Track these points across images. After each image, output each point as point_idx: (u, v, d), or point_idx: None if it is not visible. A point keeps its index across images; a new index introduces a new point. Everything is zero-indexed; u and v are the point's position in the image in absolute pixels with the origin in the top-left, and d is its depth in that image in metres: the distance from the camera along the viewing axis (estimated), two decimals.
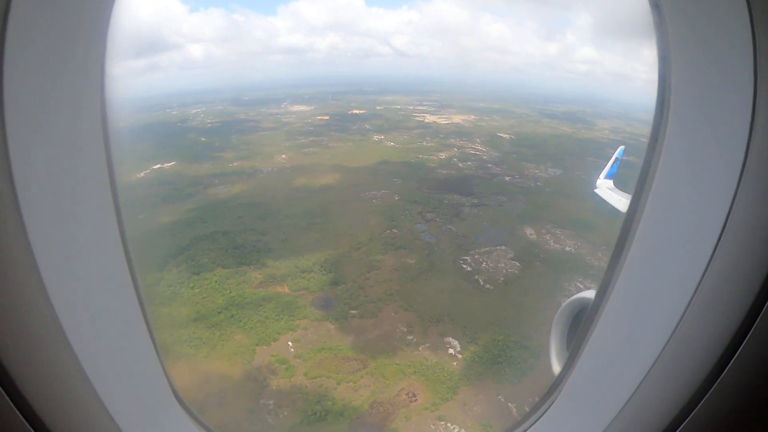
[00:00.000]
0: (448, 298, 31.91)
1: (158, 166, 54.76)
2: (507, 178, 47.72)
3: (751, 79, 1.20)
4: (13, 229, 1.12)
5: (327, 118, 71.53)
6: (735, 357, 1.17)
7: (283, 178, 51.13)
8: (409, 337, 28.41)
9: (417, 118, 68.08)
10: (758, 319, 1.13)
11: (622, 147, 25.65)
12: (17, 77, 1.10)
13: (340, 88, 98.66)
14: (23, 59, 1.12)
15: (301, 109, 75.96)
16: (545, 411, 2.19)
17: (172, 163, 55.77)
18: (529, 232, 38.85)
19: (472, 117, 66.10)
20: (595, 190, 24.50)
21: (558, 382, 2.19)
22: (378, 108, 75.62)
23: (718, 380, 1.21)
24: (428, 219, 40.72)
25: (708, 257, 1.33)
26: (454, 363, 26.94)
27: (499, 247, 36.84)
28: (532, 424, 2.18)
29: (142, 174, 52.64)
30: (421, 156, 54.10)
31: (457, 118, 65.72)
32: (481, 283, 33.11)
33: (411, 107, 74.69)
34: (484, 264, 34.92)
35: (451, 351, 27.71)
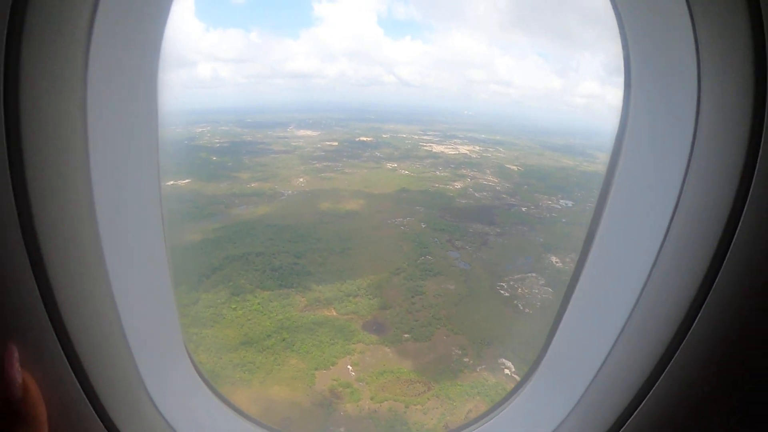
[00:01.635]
0: (493, 322, 32.77)
1: (172, 182, 53.75)
2: (523, 209, 49.26)
3: (695, 77, 1.33)
4: (89, 225, 1.29)
5: (336, 143, 72.17)
6: (689, 334, 1.33)
7: (306, 201, 51.38)
8: (465, 359, 28.99)
9: (425, 148, 69.45)
10: (712, 290, 1.27)
11: None
12: (98, 88, 1.26)
13: (342, 115, 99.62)
14: (103, 70, 1.28)
15: (308, 134, 76.27)
16: (525, 387, 2.37)
17: (187, 180, 54.92)
18: (555, 260, 40.43)
19: (478, 148, 68.08)
20: None
21: (537, 362, 2.40)
22: (384, 136, 76.70)
23: (673, 359, 1.38)
24: (458, 247, 41.73)
25: (659, 244, 1.47)
26: (512, 383, 27.26)
27: (530, 274, 38.16)
28: (514, 399, 2.37)
29: None
30: (437, 185, 55.36)
31: (464, 149, 67.57)
32: (521, 308, 34.20)
33: (416, 136, 75.99)
34: (519, 290, 36.12)
35: (507, 371, 28.45)
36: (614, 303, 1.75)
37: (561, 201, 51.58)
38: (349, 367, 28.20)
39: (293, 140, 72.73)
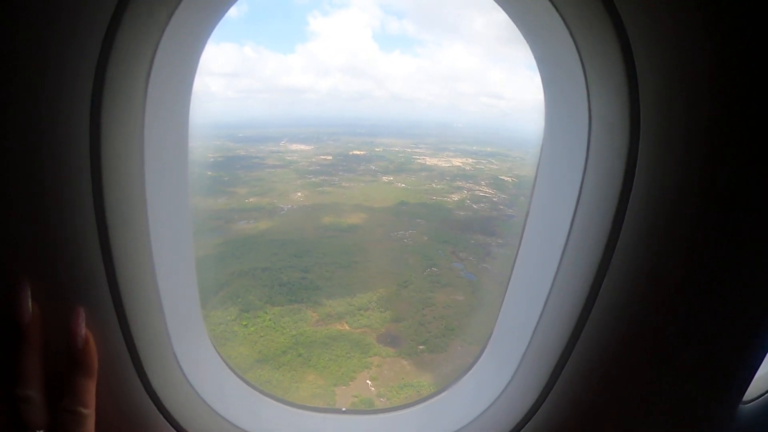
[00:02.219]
0: None
1: None
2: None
3: (586, 97, 1.54)
4: (141, 229, 1.52)
5: (330, 158, 72.20)
6: (587, 321, 1.57)
7: (307, 216, 51.32)
8: None
9: (418, 161, 69.82)
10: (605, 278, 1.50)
11: None
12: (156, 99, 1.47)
13: (334, 129, 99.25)
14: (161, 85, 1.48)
15: (301, 148, 76.03)
16: (473, 366, 2.57)
17: None
18: None
19: (470, 160, 68.62)
20: None
21: (485, 344, 2.64)
22: (377, 149, 76.91)
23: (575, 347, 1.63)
24: (462, 258, 42.01)
25: (564, 238, 1.68)
26: None
27: None
28: (463, 377, 2.56)
29: None
30: (435, 198, 55.73)
31: (457, 161, 68.11)
32: None
33: (409, 149, 76.33)
34: None
35: None
36: (535, 291, 1.94)
37: None
38: (368, 381, 28.09)
39: (287, 154, 72.43)
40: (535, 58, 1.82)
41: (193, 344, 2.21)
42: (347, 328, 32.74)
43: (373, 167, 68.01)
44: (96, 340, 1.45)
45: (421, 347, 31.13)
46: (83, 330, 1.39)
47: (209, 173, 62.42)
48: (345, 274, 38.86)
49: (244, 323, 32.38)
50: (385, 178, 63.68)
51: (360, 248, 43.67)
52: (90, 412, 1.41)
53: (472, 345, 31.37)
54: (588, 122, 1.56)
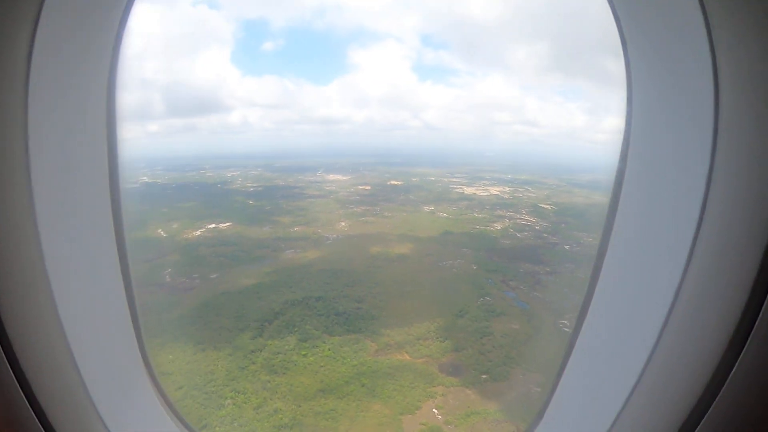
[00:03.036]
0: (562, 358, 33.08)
1: (213, 225, 54.57)
2: (566, 247, 50.13)
3: (711, 80, 1.30)
4: (27, 226, 1.31)
5: (369, 188, 73.56)
6: (737, 363, 1.11)
7: (354, 245, 52.11)
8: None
9: (456, 190, 70.51)
10: (759, 319, 1.08)
11: None
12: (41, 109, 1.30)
13: (368, 159, 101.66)
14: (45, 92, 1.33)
15: (338, 179, 77.59)
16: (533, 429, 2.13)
17: (228, 224, 55.82)
18: None
19: (507, 189, 69.19)
20: None
21: (547, 399, 2.21)
22: (414, 179, 77.99)
23: (724, 386, 1.15)
24: (513, 287, 42.20)
25: (685, 259, 1.31)
26: None
27: None
28: None
29: (198, 232, 52.89)
30: (478, 227, 56.31)
31: (494, 190, 68.63)
32: None
33: (445, 179, 77.26)
34: None
35: None
36: (633, 336, 1.61)
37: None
38: (434, 410, 28.06)
39: (325, 185, 74.24)
40: (630, 53, 1.64)
41: (123, 391, 1.98)
42: (408, 357, 32.91)
43: (412, 197, 69.08)
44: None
45: (483, 376, 31.05)
46: None
47: (251, 202, 64.12)
48: (399, 304, 39.19)
49: (303, 353, 32.95)
50: (426, 208, 64.58)
51: (411, 278, 44.04)
52: None
53: (534, 373, 31.17)
54: (714, 119, 1.34)
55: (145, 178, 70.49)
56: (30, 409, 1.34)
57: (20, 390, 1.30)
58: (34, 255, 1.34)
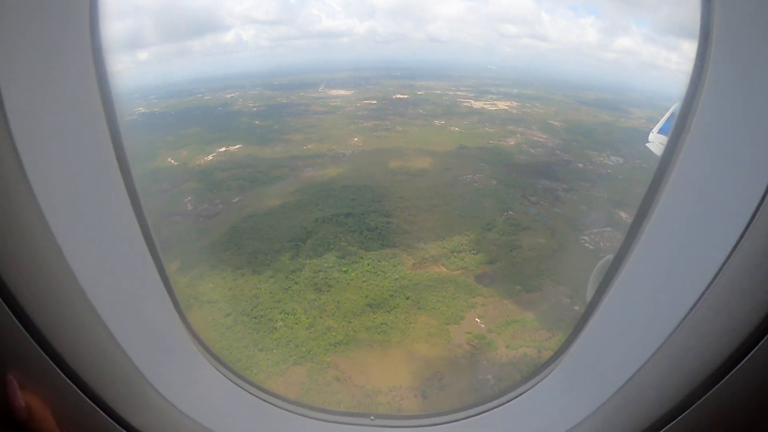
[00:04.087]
0: (589, 273, 34.84)
1: (224, 149, 53.24)
2: (580, 165, 50.75)
3: None
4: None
5: (375, 102, 71.92)
6: (746, 359, 1.09)
7: (372, 161, 51.91)
8: (575, 307, 30.48)
9: (464, 104, 69.43)
10: None
11: (677, 104, 29.61)
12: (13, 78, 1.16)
13: (369, 73, 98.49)
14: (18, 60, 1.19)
15: (341, 93, 75.21)
16: (543, 378, 2.18)
17: (238, 146, 54.63)
18: (624, 215, 41.89)
19: (515, 103, 68.47)
20: (648, 144, 27.69)
21: (562, 349, 2.20)
22: (419, 93, 76.14)
23: (725, 378, 1.13)
24: (534, 202, 43.46)
25: (728, 251, 1.23)
26: None
27: (606, 229, 39.78)
28: (528, 390, 2.21)
29: (209, 157, 51.56)
30: (492, 142, 56.44)
31: (502, 105, 67.89)
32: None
33: (451, 92, 75.64)
34: (601, 243, 37.94)
35: None
36: (658, 311, 1.57)
37: (612, 158, 52.36)
38: (477, 319, 29.56)
39: (330, 100, 72.42)
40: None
41: (161, 348, 1.97)
42: (444, 270, 33.99)
43: (422, 111, 68.11)
44: (45, 400, 1.24)
45: (518, 287, 32.60)
46: (20, 399, 1.17)
47: (257, 122, 62.10)
48: (428, 218, 40.08)
49: (344, 269, 33.60)
50: (437, 122, 64.01)
51: (435, 192, 44.66)
52: None
53: (562, 285, 32.76)
54: None
55: (141, 108, 67.31)
56: (82, 394, 1.34)
57: (68, 380, 1.30)
58: (34, 218, 1.25)
